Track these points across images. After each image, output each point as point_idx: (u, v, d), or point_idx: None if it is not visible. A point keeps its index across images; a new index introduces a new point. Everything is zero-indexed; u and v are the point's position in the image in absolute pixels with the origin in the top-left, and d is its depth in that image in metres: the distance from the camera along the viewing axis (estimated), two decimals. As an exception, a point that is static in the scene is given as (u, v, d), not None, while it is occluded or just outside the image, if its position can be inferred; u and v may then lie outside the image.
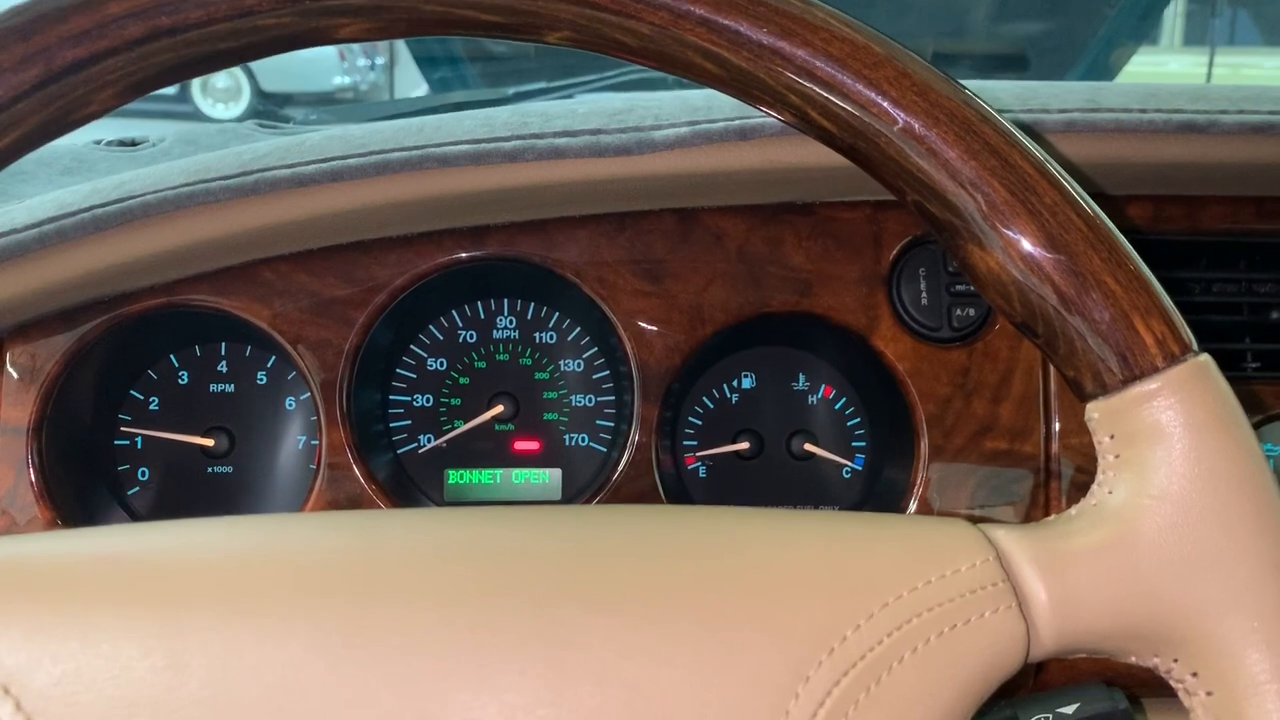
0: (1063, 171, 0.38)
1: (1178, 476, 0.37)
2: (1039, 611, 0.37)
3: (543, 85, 1.20)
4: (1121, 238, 0.38)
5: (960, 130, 0.37)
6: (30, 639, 0.34)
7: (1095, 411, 0.38)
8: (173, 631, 0.35)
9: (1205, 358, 0.38)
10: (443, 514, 0.41)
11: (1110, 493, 0.38)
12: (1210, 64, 2.09)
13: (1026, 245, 0.37)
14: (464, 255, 0.66)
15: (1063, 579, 0.37)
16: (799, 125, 0.39)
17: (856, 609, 0.36)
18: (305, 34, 0.39)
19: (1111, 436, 0.38)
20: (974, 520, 0.66)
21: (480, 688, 0.34)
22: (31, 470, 0.64)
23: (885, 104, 0.37)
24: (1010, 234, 0.37)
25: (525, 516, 0.41)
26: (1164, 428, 0.37)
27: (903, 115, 0.37)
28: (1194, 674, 0.37)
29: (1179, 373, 0.37)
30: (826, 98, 0.38)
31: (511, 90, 1.20)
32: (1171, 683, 0.38)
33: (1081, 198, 0.38)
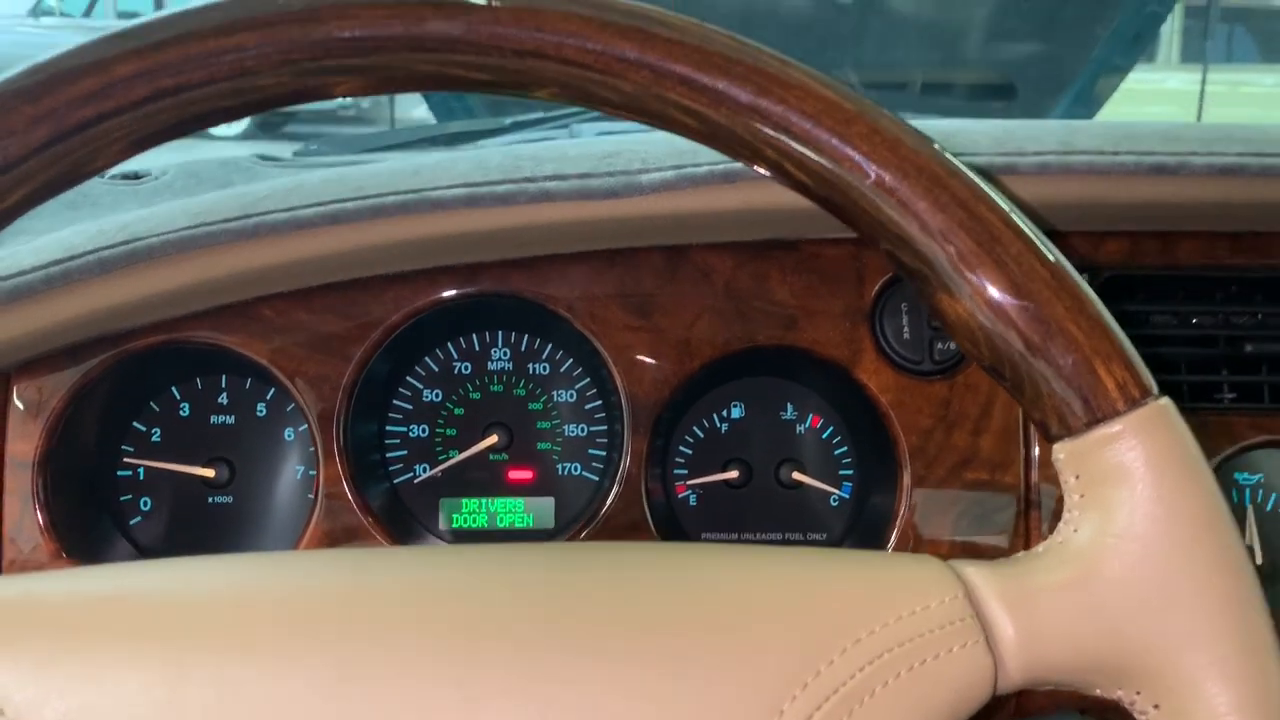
0: (1028, 222, 0.39)
1: (1139, 516, 0.38)
2: (1006, 646, 0.38)
3: (540, 115, 1.22)
4: (1085, 285, 0.40)
5: (929, 183, 0.39)
6: (39, 674, 0.36)
7: (1061, 452, 0.40)
8: (174, 668, 0.36)
9: (1165, 401, 0.39)
10: (434, 553, 0.43)
11: (1075, 531, 0.39)
12: (1203, 86, 2.11)
13: (993, 293, 0.38)
14: (458, 292, 0.68)
15: (1029, 615, 0.38)
16: (776, 177, 0.41)
17: (830, 645, 0.37)
18: (302, 91, 0.40)
19: (1077, 477, 0.40)
20: (956, 548, 0.68)
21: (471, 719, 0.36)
22: (37, 503, 0.66)
23: (858, 158, 0.39)
24: (978, 282, 0.38)
25: (512, 556, 0.42)
26: (1126, 469, 0.39)
27: (874, 169, 0.39)
28: (1156, 706, 0.38)
29: (1140, 416, 0.38)
30: (802, 152, 0.39)
31: (509, 120, 1.23)
32: (1135, 715, 0.39)
33: (1046, 247, 0.39)
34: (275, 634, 0.37)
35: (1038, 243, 0.39)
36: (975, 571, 0.40)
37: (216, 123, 0.42)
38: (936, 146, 0.40)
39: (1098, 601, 0.38)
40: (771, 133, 0.39)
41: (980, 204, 0.39)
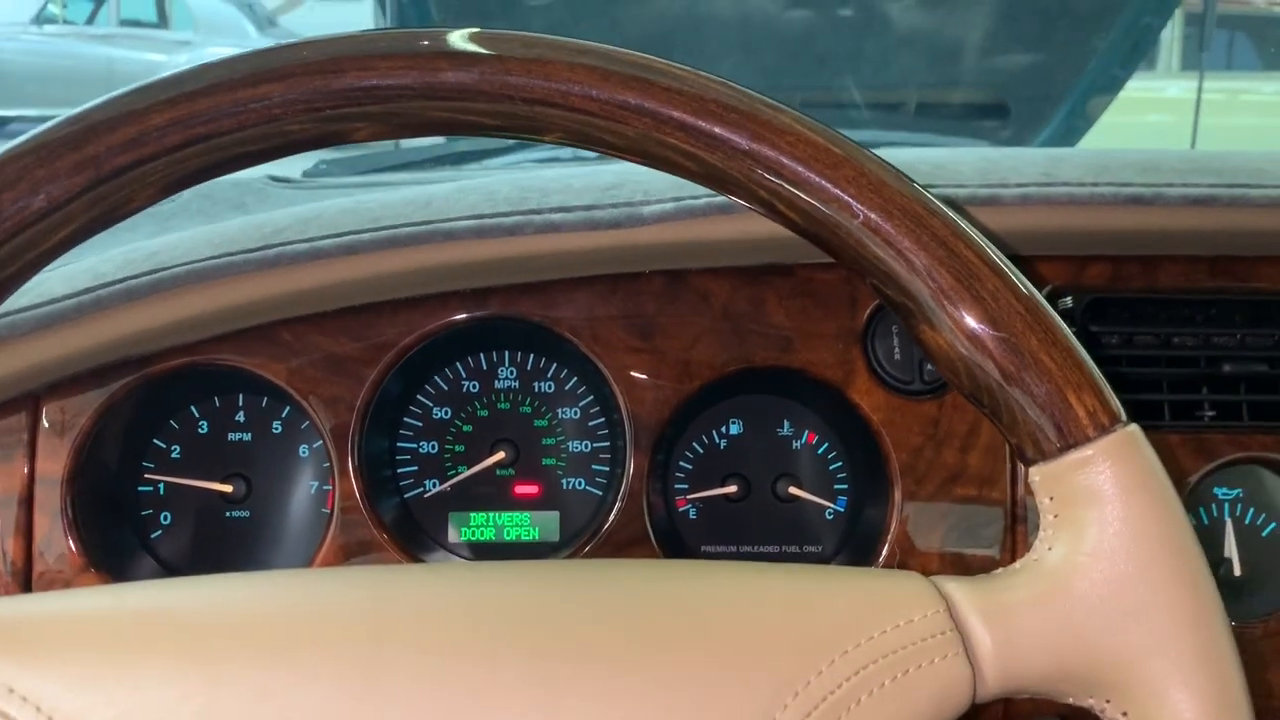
0: (1004, 258, 0.42)
1: (1109, 535, 0.41)
2: (984, 657, 0.41)
3: None
4: (1057, 319, 0.42)
5: (911, 223, 0.41)
6: (85, 685, 0.39)
7: (1036, 475, 0.43)
8: (210, 680, 0.39)
9: (1133, 428, 0.42)
10: (450, 570, 0.46)
11: (1050, 549, 0.42)
12: (1199, 97, 2.13)
13: (972, 326, 0.41)
14: (468, 315, 0.71)
15: (1006, 628, 0.41)
16: (769, 215, 0.44)
17: (820, 656, 0.40)
18: (325, 136, 0.43)
19: (1051, 498, 0.42)
20: (946, 560, 0.71)
21: None
22: (65, 519, 0.69)
23: (846, 199, 0.42)
24: (957, 316, 0.41)
25: (523, 572, 0.45)
26: (1096, 491, 0.41)
27: (861, 210, 0.42)
28: (1124, 714, 0.41)
29: (1109, 442, 0.41)
30: (793, 193, 0.42)
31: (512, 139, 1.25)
32: None
33: (1021, 282, 0.42)
34: (306, 648, 0.40)
35: (1013, 278, 0.42)
36: (956, 587, 0.42)
37: (245, 166, 0.44)
38: (918, 187, 0.42)
39: (1069, 615, 0.40)
40: (765, 175, 0.42)
41: (959, 241, 0.42)
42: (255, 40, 7.29)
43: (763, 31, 1.48)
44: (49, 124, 0.41)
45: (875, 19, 1.52)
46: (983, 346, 0.41)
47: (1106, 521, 0.41)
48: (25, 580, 0.68)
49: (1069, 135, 1.75)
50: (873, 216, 0.41)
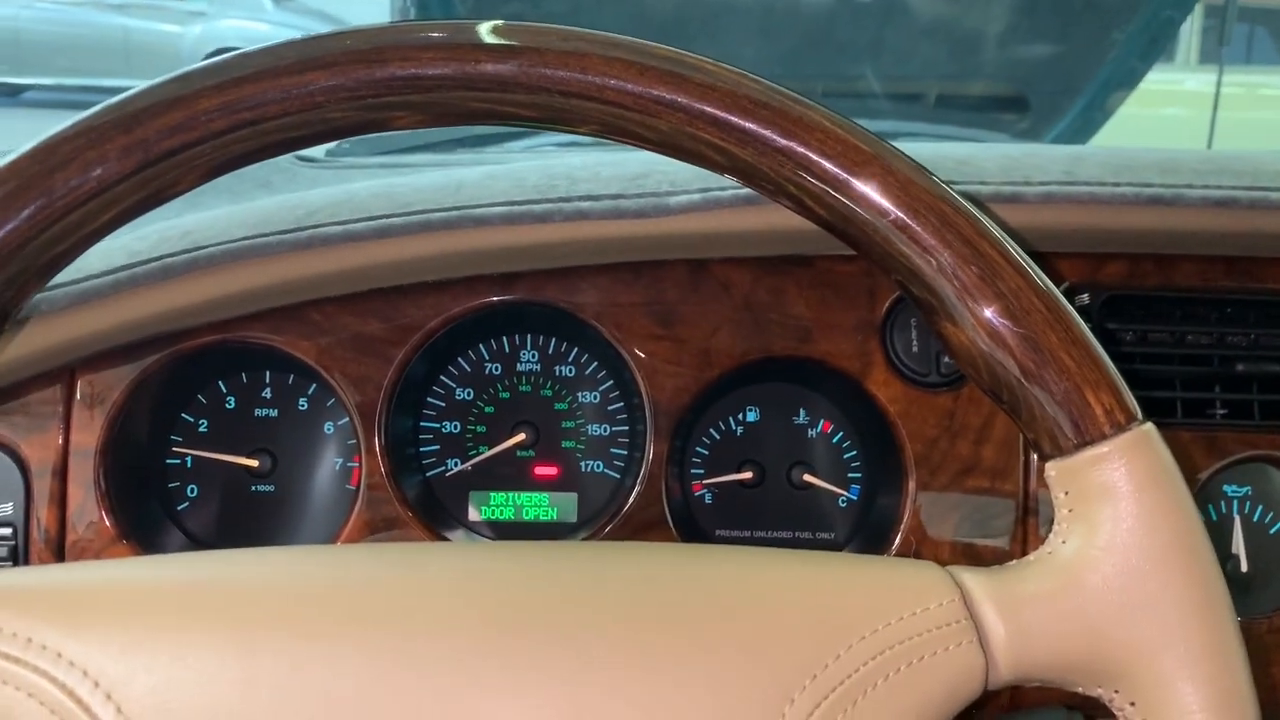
0: (1026, 257, 0.43)
1: (1122, 531, 0.42)
2: (997, 646, 0.42)
3: None
4: (1077, 317, 0.43)
5: (937, 222, 0.42)
6: (127, 652, 0.40)
7: (1052, 470, 0.44)
8: (247, 650, 0.40)
9: (1149, 426, 0.43)
10: (480, 548, 0.47)
11: (1064, 542, 0.43)
12: (1217, 91, 2.13)
13: (993, 323, 0.42)
14: (494, 299, 0.72)
15: (1019, 618, 0.42)
16: (797, 210, 0.45)
17: (837, 641, 0.41)
18: (366, 124, 0.44)
19: (1066, 493, 0.43)
20: (957, 549, 0.72)
21: (512, 703, 0.40)
22: (98, 491, 0.71)
23: (873, 196, 0.43)
24: (979, 313, 0.42)
25: (550, 552, 0.46)
26: (1111, 487, 0.42)
27: (888, 208, 0.43)
28: (1132, 703, 0.42)
29: (1125, 440, 0.42)
30: (821, 190, 0.43)
31: None
32: (1114, 711, 0.43)
33: (1042, 281, 0.43)
34: (342, 622, 0.41)
35: (1035, 277, 0.43)
36: (971, 577, 0.44)
37: (286, 151, 0.46)
38: (944, 185, 0.43)
39: (1081, 607, 0.42)
40: (794, 171, 0.43)
41: (983, 240, 0.43)
42: (270, 12, 7.28)
43: (782, 19, 1.48)
44: (99, 106, 0.42)
45: (895, 8, 1.52)
46: (1003, 343, 0.42)
47: (1120, 517, 0.42)
48: (59, 548, 0.70)
49: (1086, 128, 1.75)
50: (899, 214, 0.42)
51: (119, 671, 0.40)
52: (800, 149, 0.43)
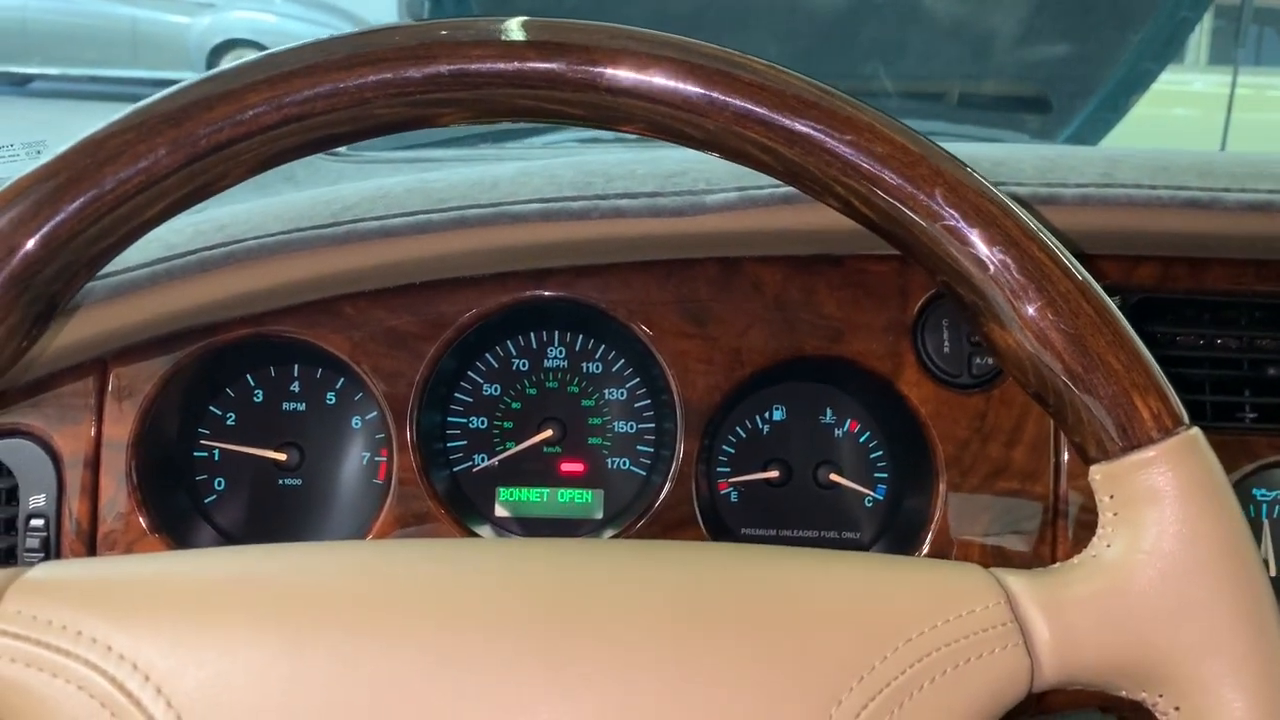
0: (1074, 261, 0.43)
1: (1168, 535, 0.42)
2: (1042, 649, 0.42)
3: None
4: (1124, 322, 0.43)
5: (985, 224, 0.42)
6: (177, 647, 0.40)
7: (1097, 474, 0.44)
8: (295, 646, 0.40)
9: (1195, 431, 0.43)
10: (524, 545, 0.47)
11: (1108, 546, 0.43)
12: (1232, 93, 2.12)
13: (1041, 327, 0.42)
14: (527, 295, 0.72)
15: (1064, 621, 0.42)
16: (843, 210, 0.45)
17: (884, 643, 0.41)
18: (413, 120, 0.44)
19: (1111, 496, 0.43)
20: (987, 551, 0.72)
21: (560, 702, 0.40)
22: (130, 483, 0.71)
23: (922, 198, 0.42)
24: (1028, 317, 0.42)
25: (594, 551, 0.46)
26: (1157, 492, 0.42)
27: (937, 209, 0.42)
28: (1176, 708, 0.42)
29: (1172, 444, 0.42)
30: (869, 190, 0.43)
31: None
32: (1157, 715, 0.43)
33: (1090, 284, 0.43)
34: (388, 618, 0.41)
35: (1084, 280, 0.43)
36: (1015, 580, 0.44)
37: (332, 147, 0.46)
38: (992, 187, 0.43)
39: (1126, 611, 0.42)
40: (842, 172, 0.43)
41: (1032, 244, 0.43)
42: (278, 4, 7.27)
43: (802, 18, 1.48)
44: (149, 99, 0.42)
45: (911, 6, 1.52)
46: (1051, 346, 0.42)
47: (1166, 521, 0.42)
48: (90, 540, 0.70)
49: (1098, 128, 1.75)
50: (948, 217, 0.42)
51: (169, 665, 0.40)
52: (849, 150, 0.42)
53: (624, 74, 0.42)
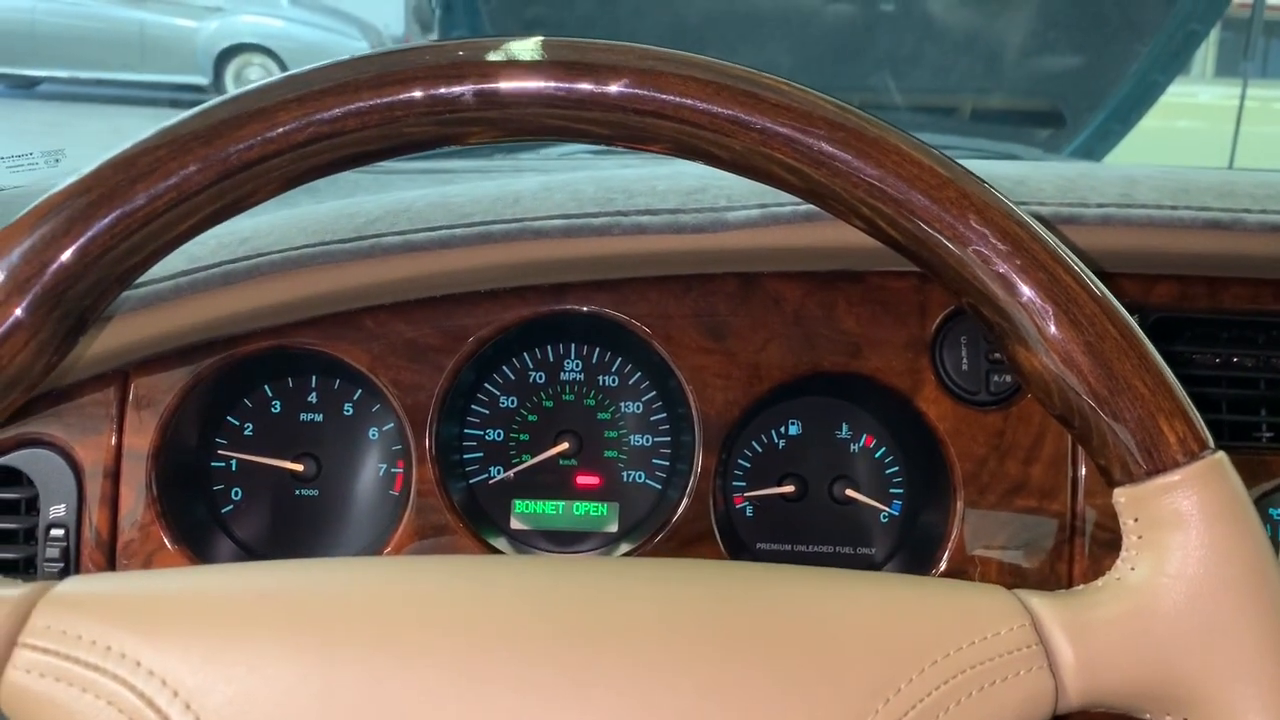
0: (1100, 284, 0.43)
1: (1193, 560, 0.42)
2: (1066, 671, 0.42)
3: None
4: (1150, 345, 0.43)
5: (1013, 247, 0.42)
6: (207, 663, 0.40)
7: (1122, 497, 0.44)
8: (323, 662, 0.40)
9: (1220, 455, 0.43)
10: (550, 562, 0.47)
11: (1133, 569, 0.43)
12: (1240, 105, 2.13)
13: (1068, 351, 0.42)
14: (547, 309, 0.73)
15: (1088, 644, 0.42)
16: (868, 231, 0.45)
17: (910, 665, 0.41)
18: (442, 138, 0.45)
19: (1135, 520, 0.43)
20: (1004, 569, 0.72)
21: (581, 717, 0.40)
22: (149, 494, 0.71)
23: (948, 220, 0.43)
24: (1054, 340, 0.42)
25: (620, 569, 0.46)
26: (1182, 516, 0.42)
27: (964, 232, 0.43)
28: None
29: (1198, 468, 0.42)
30: (896, 212, 0.43)
31: None
32: None
33: (1116, 309, 0.43)
34: (417, 634, 0.41)
35: (1110, 303, 0.43)
36: (1039, 602, 0.44)
37: (360, 165, 0.46)
38: (1019, 211, 0.43)
39: (1151, 634, 0.42)
40: (867, 195, 0.43)
41: (1058, 266, 0.43)
42: (285, 8, 7.30)
43: (813, 32, 1.48)
44: (180, 117, 0.43)
45: (916, 18, 1.53)
46: (1077, 369, 0.42)
47: (1191, 545, 0.42)
48: (110, 550, 0.71)
49: (1106, 141, 1.75)
50: (974, 240, 0.43)
51: (198, 681, 0.40)
52: (875, 171, 0.43)
53: (651, 94, 0.42)
